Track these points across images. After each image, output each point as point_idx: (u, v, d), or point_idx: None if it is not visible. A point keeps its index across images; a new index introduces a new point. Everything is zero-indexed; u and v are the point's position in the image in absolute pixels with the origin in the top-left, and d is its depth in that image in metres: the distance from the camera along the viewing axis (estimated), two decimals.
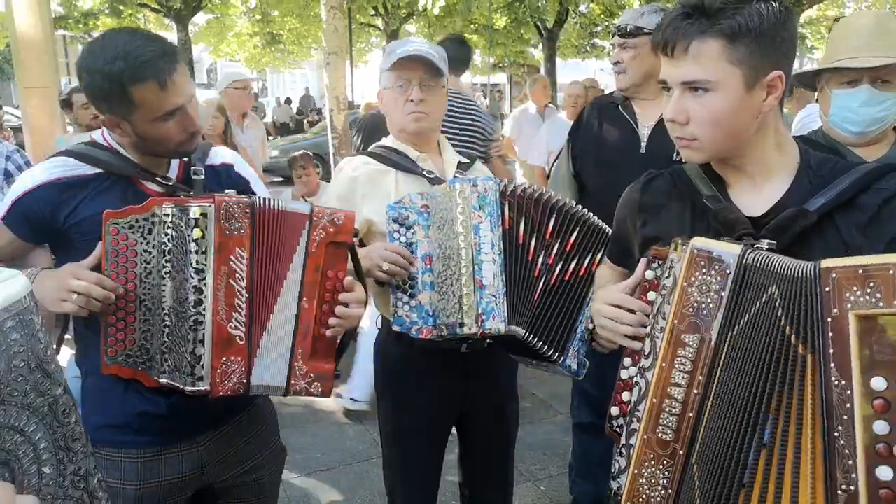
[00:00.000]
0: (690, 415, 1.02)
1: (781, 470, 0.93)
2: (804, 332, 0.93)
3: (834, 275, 0.90)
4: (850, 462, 0.86)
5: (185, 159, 1.52)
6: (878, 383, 0.84)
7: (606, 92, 2.85)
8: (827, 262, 0.92)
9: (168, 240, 1.33)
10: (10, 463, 0.75)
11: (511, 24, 18.34)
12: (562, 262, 1.68)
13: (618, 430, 1.19)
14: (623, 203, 1.38)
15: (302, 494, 3.02)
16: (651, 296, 1.15)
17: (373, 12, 18.31)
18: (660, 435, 1.05)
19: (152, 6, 15.69)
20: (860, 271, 0.87)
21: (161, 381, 1.35)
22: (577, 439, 2.71)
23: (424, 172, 1.82)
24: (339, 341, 1.47)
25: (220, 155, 1.62)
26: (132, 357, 1.35)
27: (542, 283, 1.67)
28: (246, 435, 1.59)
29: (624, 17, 2.31)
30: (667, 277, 1.10)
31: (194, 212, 1.32)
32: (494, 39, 18.64)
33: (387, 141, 1.93)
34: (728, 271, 1.01)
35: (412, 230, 1.68)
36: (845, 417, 0.86)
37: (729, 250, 1.02)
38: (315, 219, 1.41)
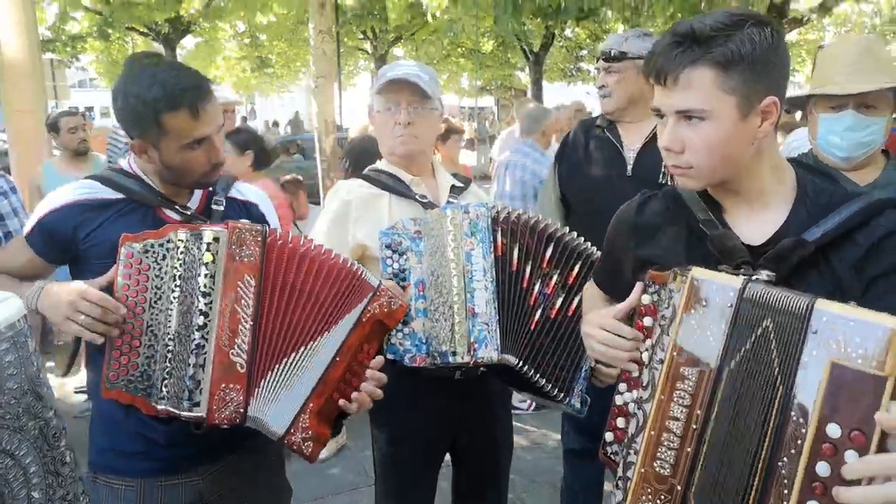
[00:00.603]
0: (689, 449, 0.99)
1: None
2: (786, 366, 0.91)
3: (825, 318, 0.88)
4: (786, 491, 0.87)
5: (209, 190, 1.54)
6: (833, 430, 0.84)
7: (594, 115, 2.86)
8: (821, 304, 0.90)
9: (180, 265, 1.34)
10: (0, 487, 0.73)
11: (498, 47, 18.59)
12: (564, 296, 1.66)
13: (612, 456, 1.17)
14: (616, 223, 1.36)
15: None
16: (647, 321, 1.13)
17: (361, 36, 18.50)
18: (657, 469, 1.02)
19: (140, 30, 15.75)
20: (851, 323, 0.86)
21: (159, 407, 1.33)
22: (568, 466, 2.67)
23: (417, 197, 1.81)
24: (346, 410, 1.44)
25: (248, 191, 1.66)
26: (133, 382, 1.34)
27: (539, 313, 1.65)
28: (250, 471, 1.57)
29: (608, 42, 2.33)
30: (665, 308, 1.08)
31: (207, 236, 1.34)
32: (481, 63, 18.87)
33: (381, 164, 1.92)
34: (729, 304, 0.98)
35: (405, 256, 1.66)
36: (792, 451, 0.87)
37: (730, 283, 1.00)
38: (378, 294, 1.43)
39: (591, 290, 1.52)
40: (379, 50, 18.34)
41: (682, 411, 1.01)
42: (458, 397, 1.84)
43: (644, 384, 1.09)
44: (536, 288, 1.65)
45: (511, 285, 1.63)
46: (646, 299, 1.14)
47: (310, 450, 1.37)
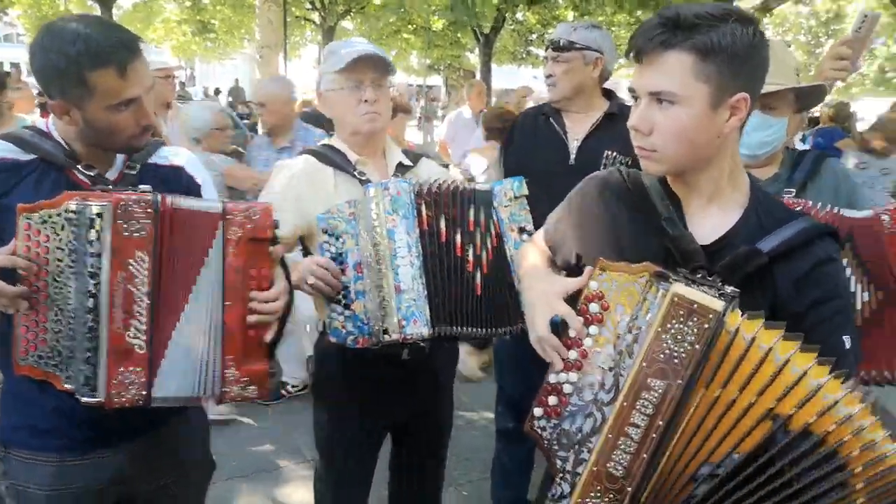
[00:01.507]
0: (645, 456, 1.03)
1: None
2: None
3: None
4: None
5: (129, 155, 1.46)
6: None
7: (542, 98, 2.89)
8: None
9: (73, 238, 1.26)
10: None
11: (448, 27, 18.44)
12: (490, 246, 1.69)
13: (538, 430, 1.19)
14: (583, 191, 1.36)
15: (218, 502, 2.92)
16: (593, 307, 1.15)
17: (309, 6, 18.02)
18: (610, 470, 1.05)
19: None
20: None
21: (66, 386, 1.28)
22: (499, 445, 2.73)
23: (356, 174, 1.80)
24: (270, 339, 1.39)
25: (172, 155, 1.55)
26: (44, 358, 1.28)
27: (479, 276, 1.67)
28: (172, 446, 1.53)
29: (557, 32, 2.35)
30: (639, 317, 1.09)
31: (90, 211, 1.25)
32: (431, 41, 18.71)
33: (331, 140, 1.90)
34: (706, 325, 1.00)
35: (342, 239, 1.65)
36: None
37: (711, 305, 1.01)
38: (229, 217, 1.34)
39: (530, 247, 1.51)
40: (328, 21, 17.91)
41: (643, 419, 1.03)
42: (403, 377, 1.85)
43: (607, 388, 1.10)
44: (470, 253, 1.67)
45: (443, 256, 1.64)
46: (594, 286, 1.15)
47: (255, 392, 1.35)
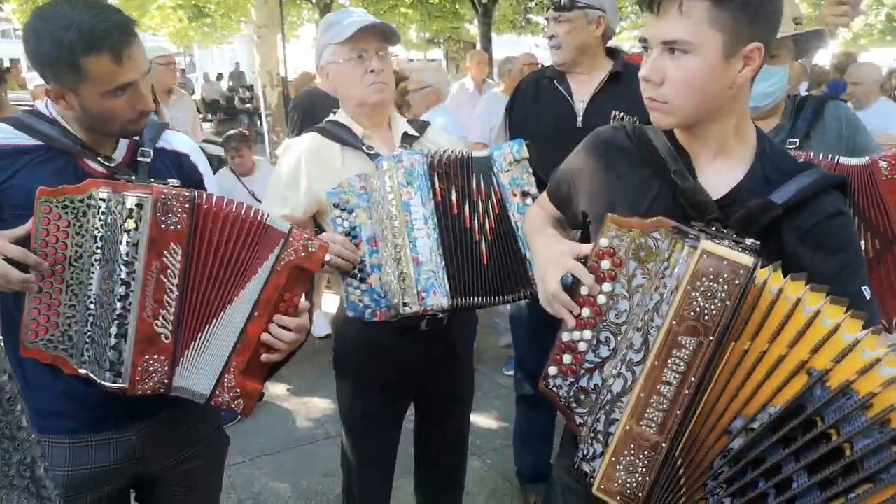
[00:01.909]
0: (678, 412, 1.03)
1: None
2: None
3: None
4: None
5: (136, 139, 1.45)
6: None
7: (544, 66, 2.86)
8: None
9: (102, 226, 1.27)
10: None
11: None
12: (492, 212, 1.69)
13: (554, 389, 1.19)
14: (587, 148, 1.34)
15: (246, 480, 2.98)
16: (605, 264, 1.14)
17: None
18: (644, 427, 1.05)
19: None
20: None
21: (80, 370, 1.30)
22: (520, 411, 2.76)
23: (364, 148, 1.78)
24: (275, 360, 1.40)
25: (177, 141, 1.55)
26: (53, 342, 1.29)
27: (484, 245, 1.67)
28: (184, 424, 1.54)
29: None
30: (666, 276, 1.08)
31: (130, 201, 1.26)
32: (430, 14, 18.49)
33: (337, 116, 1.88)
34: (737, 282, 0.99)
35: (354, 213, 1.65)
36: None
37: (742, 261, 1.00)
38: (290, 239, 1.36)
39: (535, 209, 1.51)
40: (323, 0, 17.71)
41: (675, 377, 1.03)
42: (423, 347, 1.86)
43: (636, 347, 1.10)
44: (476, 223, 1.67)
45: (455, 228, 1.64)
46: (604, 242, 1.14)
47: (241, 406, 1.36)
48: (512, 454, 2.85)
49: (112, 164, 1.38)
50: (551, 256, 1.25)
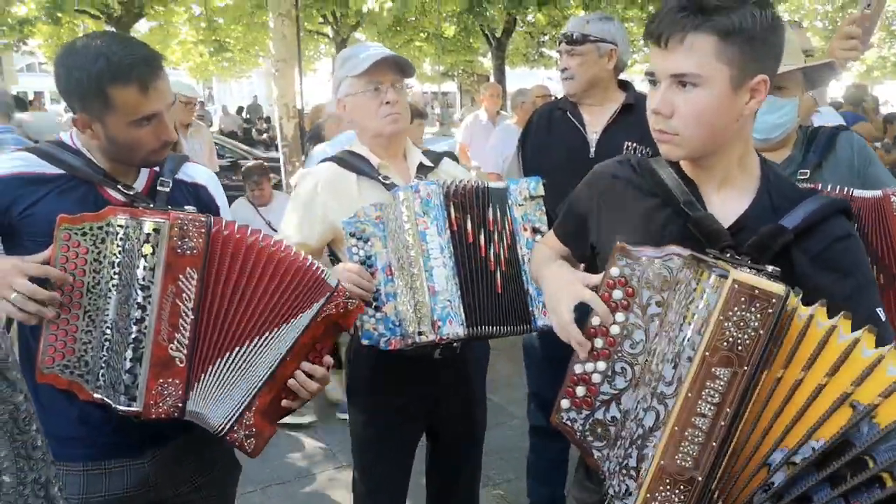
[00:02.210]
0: (714, 444, 1.01)
1: None
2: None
3: None
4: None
5: (155, 169, 1.49)
6: None
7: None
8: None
9: (119, 251, 1.29)
10: None
11: (460, 32, 18.49)
12: (502, 244, 1.70)
13: (567, 423, 1.17)
14: (591, 181, 1.36)
15: None
16: (617, 294, 1.13)
17: (321, 20, 18.20)
18: (679, 462, 1.03)
19: (92, 13, 15.22)
20: None
21: (95, 395, 1.31)
22: (533, 443, 2.73)
23: (380, 178, 1.81)
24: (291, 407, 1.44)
25: (196, 172, 1.59)
26: (69, 367, 1.30)
27: (499, 274, 1.68)
28: (197, 450, 1.54)
29: (570, 25, 2.36)
30: (692, 302, 1.06)
31: (147, 226, 1.28)
32: (444, 48, 18.79)
33: (353, 146, 1.92)
34: (770, 311, 0.98)
35: (370, 242, 1.67)
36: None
37: (774, 290, 0.99)
38: (336, 294, 1.40)
39: (542, 247, 1.51)
40: (340, 34, 18.07)
41: (710, 409, 1.01)
42: (437, 375, 1.86)
43: (668, 380, 1.07)
44: (491, 252, 1.68)
45: (471, 257, 1.65)
46: (615, 272, 1.14)
47: (252, 446, 1.38)
48: (525, 485, 2.81)
49: (131, 193, 1.42)
50: (561, 285, 1.25)
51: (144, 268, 1.28)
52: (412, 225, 1.61)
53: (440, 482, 2.11)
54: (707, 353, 1.01)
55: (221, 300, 1.34)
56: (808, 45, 1.91)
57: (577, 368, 1.17)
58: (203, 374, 1.33)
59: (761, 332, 0.99)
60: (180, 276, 1.30)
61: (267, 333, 1.36)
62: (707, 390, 1.01)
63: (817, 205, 1.15)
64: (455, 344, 1.72)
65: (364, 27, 17.54)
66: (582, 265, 1.45)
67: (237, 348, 1.35)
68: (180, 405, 1.32)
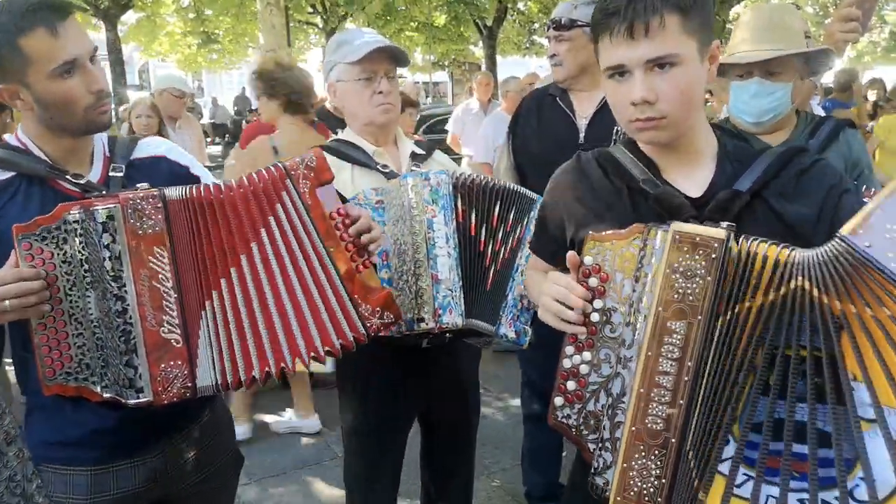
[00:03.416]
0: (681, 402, 1.00)
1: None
2: (869, 298, 0.92)
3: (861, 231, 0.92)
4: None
5: (108, 155, 1.44)
6: None
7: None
8: (845, 230, 0.94)
9: (83, 248, 1.24)
10: None
11: (451, 21, 18.40)
12: (505, 245, 1.70)
13: (563, 420, 1.16)
14: (555, 187, 1.36)
15: (254, 501, 2.96)
16: (592, 281, 1.14)
17: (311, 10, 18.07)
18: (649, 425, 1.02)
19: (78, 4, 15.04)
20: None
21: (105, 395, 1.28)
22: (528, 430, 2.73)
23: (379, 167, 1.80)
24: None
25: (151, 146, 1.52)
26: (72, 374, 1.27)
27: (492, 272, 1.68)
28: (202, 443, 1.53)
29: (558, 10, 2.33)
30: (644, 265, 1.07)
31: (100, 215, 1.23)
32: (435, 37, 18.70)
33: (344, 134, 1.90)
34: (713, 255, 0.99)
35: None
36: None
37: (714, 234, 1.01)
38: (293, 172, 1.34)
39: (535, 268, 1.49)
40: (329, 24, 17.95)
41: (671, 365, 1.01)
42: (425, 371, 1.85)
43: (627, 343, 1.08)
44: (489, 248, 1.68)
45: (470, 250, 1.65)
46: (588, 260, 1.15)
47: (391, 316, 1.39)
48: (521, 474, 2.82)
49: (82, 182, 1.35)
50: (543, 288, 1.25)
51: (110, 258, 1.24)
52: (420, 212, 1.60)
53: (434, 470, 2.11)
54: (660, 308, 1.03)
55: (196, 265, 1.30)
56: (807, 28, 1.89)
57: (566, 363, 1.17)
58: (198, 347, 1.29)
59: (708, 278, 1.00)
60: (149, 258, 1.26)
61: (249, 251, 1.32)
62: (666, 346, 1.02)
63: (770, 159, 1.19)
64: (448, 335, 1.71)
65: (353, 16, 17.43)
66: None
67: (221, 293, 1.31)
68: (189, 384, 1.29)
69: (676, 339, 1.01)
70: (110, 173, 1.40)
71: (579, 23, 2.22)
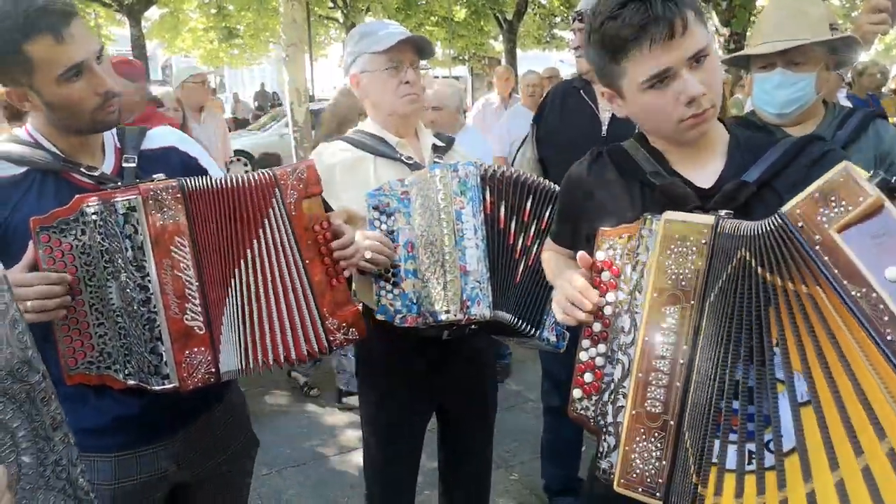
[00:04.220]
0: (678, 384, 1.03)
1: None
2: (793, 273, 0.94)
3: (798, 211, 0.93)
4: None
5: (119, 146, 1.45)
6: (893, 273, 0.84)
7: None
8: (785, 208, 0.95)
9: (101, 238, 1.26)
10: None
11: (471, 15, 18.34)
12: (539, 241, 1.69)
13: (582, 412, 1.18)
14: (570, 182, 1.39)
15: (272, 491, 2.99)
16: (605, 276, 1.16)
17: (331, 5, 18.12)
18: (649, 408, 1.06)
19: (103, 1, 15.22)
20: (816, 195, 0.91)
21: (129, 382, 1.31)
22: (548, 424, 2.73)
23: (404, 158, 1.80)
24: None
25: (160, 137, 1.52)
26: (94, 363, 1.30)
27: (522, 266, 1.67)
28: (220, 425, 1.56)
29: (583, 2, 2.32)
30: (640, 253, 1.11)
31: (121, 206, 1.26)
32: (455, 31, 18.65)
33: (365, 126, 1.90)
34: (703, 241, 1.03)
35: (393, 217, 1.66)
36: (885, 318, 0.84)
37: (704, 221, 1.04)
38: (283, 182, 1.38)
39: (547, 253, 1.53)
40: (350, 19, 17.99)
41: (667, 349, 1.05)
42: (445, 358, 1.85)
43: (626, 330, 1.11)
44: (520, 242, 1.67)
45: (499, 242, 1.65)
46: (600, 255, 1.17)
47: (355, 333, 1.43)
48: (539, 467, 2.82)
49: (96, 174, 1.35)
50: (562, 277, 1.27)
51: (132, 248, 1.27)
52: (448, 203, 1.60)
53: (449, 461, 2.11)
54: (655, 294, 1.06)
55: (216, 256, 1.34)
56: (832, 18, 1.86)
57: (583, 356, 1.19)
58: (221, 333, 1.34)
59: (700, 263, 1.03)
60: (171, 248, 1.29)
61: (248, 254, 1.37)
62: (661, 331, 1.06)
63: (781, 151, 1.19)
64: (473, 327, 1.71)
65: (374, 11, 17.45)
66: None
67: (234, 288, 1.36)
68: (213, 370, 1.32)
69: (671, 322, 1.05)
70: (123, 164, 1.41)
71: None
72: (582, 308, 1.16)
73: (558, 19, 19.50)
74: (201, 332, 1.32)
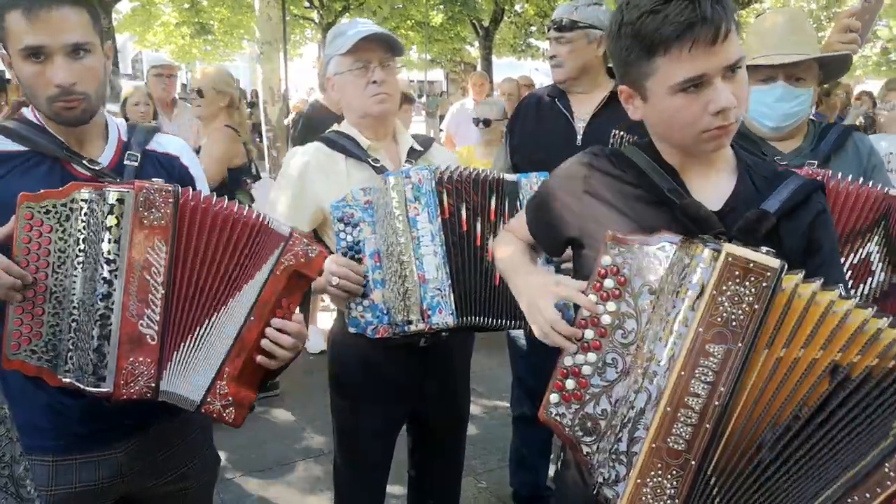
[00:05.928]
0: (707, 426, 0.99)
1: None
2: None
3: None
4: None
5: (124, 140, 1.43)
6: None
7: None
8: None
9: (84, 227, 1.23)
10: None
11: (447, 21, 18.39)
12: None
13: (557, 418, 1.13)
14: (565, 175, 1.31)
15: (236, 497, 2.93)
16: (609, 283, 1.10)
17: (307, 4, 18.00)
18: (671, 444, 1.01)
19: None
20: None
21: (64, 380, 1.25)
22: (517, 431, 2.73)
23: (370, 161, 1.77)
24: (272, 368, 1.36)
25: (168, 143, 1.51)
26: (37, 353, 1.24)
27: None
28: (173, 442, 1.50)
29: (559, 12, 2.33)
30: (685, 278, 1.04)
31: (111, 197, 1.23)
32: (431, 36, 18.68)
33: (340, 126, 1.86)
34: (764, 284, 0.97)
35: (358, 228, 1.63)
36: None
37: (769, 263, 0.97)
38: (290, 243, 1.32)
39: (512, 231, 1.45)
40: (325, 19, 17.88)
41: (703, 388, 0.99)
42: (419, 371, 1.83)
43: (659, 360, 1.04)
44: (489, 243, 1.64)
45: (464, 246, 1.62)
46: (606, 260, 1.11)
47: (232, 416, 1.31)
48: (507, 475, 2.81)
49: (97, 168, 1.35)
50: (537, 291, 1.22)
51: (109, 241, 1.23)
52: (402, 211, 1.57)
53: (423, 471, 2.09)
54: (701, 329, 1.00)
55: (192, 273, 1.28)
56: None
57: (567, 361, 1.13)
58: (175, 352, 1.28)
59: (756, 306, 0.97)
60: (148, 249, 1.25)
61: (230, 299, 1.30)
62: (701, 368, 0.99)
63: (797, 184, 1.18)
64: (444, 333, 1.69)
65: (350, 13, 17.38)
66: (543, 257, 1.40)
67: (206, 320, 1.29)
68: (153, 385, 1.26)
69: (713, 362, 0.99)
70: (125, 161, 1.40)
71: (580, 24, 2.22)
72: (570, 345, 1.12)
73: (534, 28, 19.66)
74: (152, 343, 1.26)
